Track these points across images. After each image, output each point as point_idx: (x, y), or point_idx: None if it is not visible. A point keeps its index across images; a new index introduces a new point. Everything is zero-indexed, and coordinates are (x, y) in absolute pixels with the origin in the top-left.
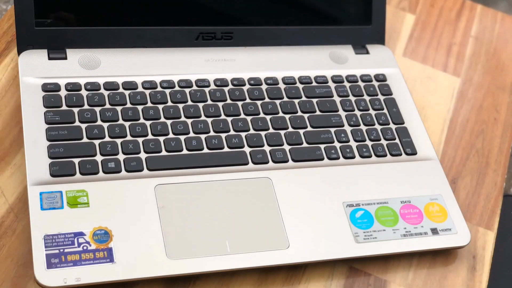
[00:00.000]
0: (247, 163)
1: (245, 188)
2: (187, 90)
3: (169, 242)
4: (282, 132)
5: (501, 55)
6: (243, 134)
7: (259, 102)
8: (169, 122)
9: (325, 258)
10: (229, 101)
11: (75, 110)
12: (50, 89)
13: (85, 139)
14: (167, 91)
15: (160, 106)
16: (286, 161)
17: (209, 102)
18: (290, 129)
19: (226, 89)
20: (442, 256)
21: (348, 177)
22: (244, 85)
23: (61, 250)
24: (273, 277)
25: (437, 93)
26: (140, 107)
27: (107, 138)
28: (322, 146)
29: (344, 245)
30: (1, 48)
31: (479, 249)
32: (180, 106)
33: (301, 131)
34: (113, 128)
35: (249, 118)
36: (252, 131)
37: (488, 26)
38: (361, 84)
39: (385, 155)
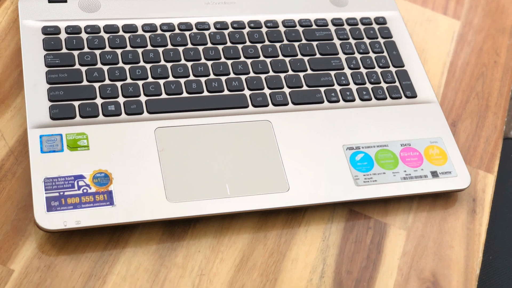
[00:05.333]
0: (247, 106)
1: (245, 131)
2: (187, 33)
3: (169, 185)
4: (282, 75)
5: None
6: (243, 77)
7: (259, 45)
8: (169, 65)
9: (325, 201)
10: (229, 44)
11: (75, 53)
12: (50, 32)
13: (85, 82)
14: (167, 34)
15: (160, 49)
16: (286, 104)
17: (209, 45)
18: (290, 72)
19: (226, 32)
20: (442, 199)
21: (348, 120)
22: (244, 28)
23: (61, 193)
24: (273, 220)
25: (437, 36)
26: (140, 50)
27: (107, 81)
28: (322, 89)
29: (344, 188)
30: None
31: (479, 192)
32: (180, 49)
33: (301, 74)
34: (113, 71)
35: (249, 61)
36: (252, 74)
37: None
38: (361, 27)
39: (385, 98)
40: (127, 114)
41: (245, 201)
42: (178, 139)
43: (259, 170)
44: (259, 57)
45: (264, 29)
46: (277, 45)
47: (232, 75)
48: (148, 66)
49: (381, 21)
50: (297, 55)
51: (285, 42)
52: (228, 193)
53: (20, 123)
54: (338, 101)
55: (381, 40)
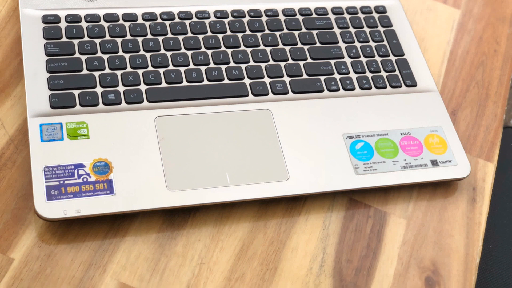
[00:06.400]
0: (247, 95)
1: (245, 120)
2: (187, 22)
3: (169, 174)
4: (282, 64)
5: None
6: (243, 66)
7: (259, 34)
8: (169, 53)
9: (325, 190)
10: (229, 33)
11: (75, 41)
12: (50, 20)
13: (85, 71)
14: (167, 22)
15: (160, 38)
16: (286, 93)
17: (209, 34)
18: (290, 61)
19: (226, 20)
20: (442, 188)
21: (348, 109)
22: (244, 17)
23: (61, 182)
24: (273, 209)
25: (437, 24)
26: (140, 39)
27: (107, 70)
28: (322, 78)
29: (344, 177)
30: None
31: (479, 180)
32: (180, 37)
33: (301, 63)
34: (113, 60)
35: (249, 50)
36: (252, 63)
37: None
38: (361, 15)
39: (385, 87)
40: (127, 103)
41: (245, 190)
42: (178, 128)
43: (259, 159)
44: (259, 46)
45: (264, 18)
46: (277, 34)
47: (232, 64)
48: (148, 55)
49: (381, 10)
50: (297, 43)
51: (285, 31)
52: (228, 182)
53: (20, 112)
54: (338, 89)
55: (381, 29)
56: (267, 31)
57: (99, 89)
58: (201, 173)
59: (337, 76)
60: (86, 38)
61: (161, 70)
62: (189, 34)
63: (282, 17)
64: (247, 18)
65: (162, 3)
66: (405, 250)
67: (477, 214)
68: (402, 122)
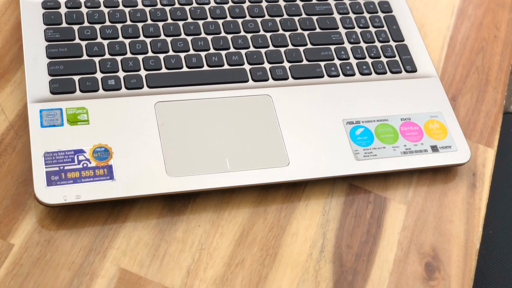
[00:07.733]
0: (247, 80)
1: (245, 105)
2: (187, 8)
3: (169, 159)
4: (282, 50)
5: None
6: (243, 52)
7: (259, 20)
8: (169, 39)
9: (325, 175)
10: (229, 18)
11: (75, 27)
12: (50, 6)
13: (85, 57)
14: (167, 8)
15: (160, 24)
16: (286, 78)
17: (209, 19)
18: (290, 47)
19: (226, 6)
20: (442, 173)
21: (348, 94)
22: (244, 2)
23: (61, 168)
24: (273, 195)
25: (437, 10)
26: (140, 25)
27: (107, 56)
28: (322, 63)
29: (344, 162)
30: None
31: (479, 166)
32: (180, 23)
33: (301, 48)
34: (113, 46)
35: (249, 36)
36: (252, 49)
37: None
38: (361, 1)
39: (385, 73)
40: (127, 88)
41: (245, 175)
42: (178, 114)
43: (259, 144)
44: (259, 31)
45: (264, 4)
46: (277, 19)
47: (232, 49)
48: (148, 40)
49: None
50: (297, 29)
51: (285, 16)
52: (228, 168)
53: (20, 97)
54: (338, 75)
55: (381, 15)
56: (267, 17)
57: (99, 75)
58: (201, 159)
59: (337, 62)
60: (86, 24)
61: (161, 56)
62: (189, 20)
63: (282, 3)
64: (247, 3)
65: None
66: (405, 236)
67: (477, 200)
68: (402, 107)
